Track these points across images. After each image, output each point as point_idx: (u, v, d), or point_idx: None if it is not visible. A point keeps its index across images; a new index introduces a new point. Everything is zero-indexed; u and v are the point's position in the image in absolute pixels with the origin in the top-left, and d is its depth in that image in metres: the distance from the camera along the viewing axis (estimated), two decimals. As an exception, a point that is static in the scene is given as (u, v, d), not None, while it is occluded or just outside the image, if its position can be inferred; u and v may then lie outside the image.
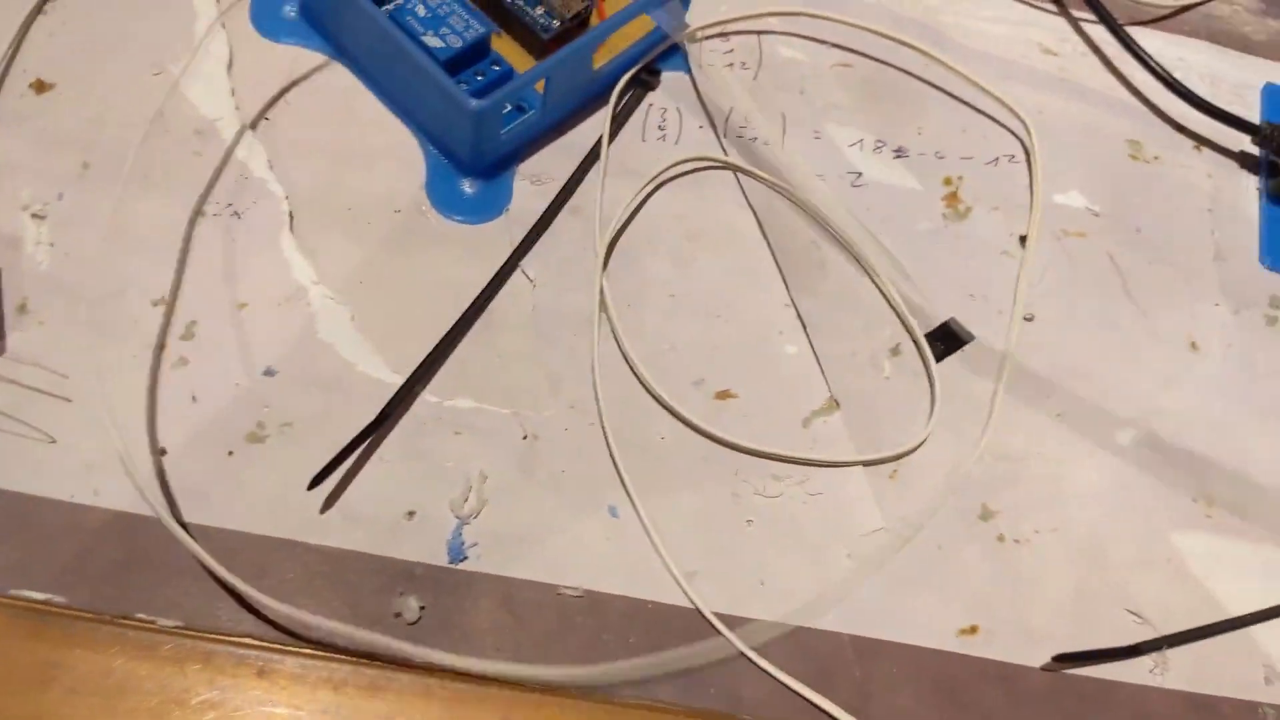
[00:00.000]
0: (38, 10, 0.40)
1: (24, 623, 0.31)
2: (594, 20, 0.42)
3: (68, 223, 0.37)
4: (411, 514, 0.34)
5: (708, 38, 0.44)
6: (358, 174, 0.39)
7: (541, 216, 0.40)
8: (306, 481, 0.34)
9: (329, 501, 0.34)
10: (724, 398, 0.38)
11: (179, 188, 0.38)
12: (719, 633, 0.34)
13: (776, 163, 0.42)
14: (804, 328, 0.39)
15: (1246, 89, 0.48)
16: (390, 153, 0.40)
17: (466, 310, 0.37)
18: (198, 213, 0.38)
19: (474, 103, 0.37)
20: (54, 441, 0.34)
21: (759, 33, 0.45)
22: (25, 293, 0.35)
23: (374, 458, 0.35)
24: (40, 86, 0.39)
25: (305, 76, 0.41)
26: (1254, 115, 0.47)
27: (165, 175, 0.38)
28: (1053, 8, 0.48)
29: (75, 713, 0.30)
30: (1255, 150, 0.46)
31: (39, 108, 0.39)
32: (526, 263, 0.39)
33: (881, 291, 0.40)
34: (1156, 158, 0.45)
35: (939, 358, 0.39)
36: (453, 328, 0.37)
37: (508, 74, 0.40)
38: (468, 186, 0.40)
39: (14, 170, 0.37)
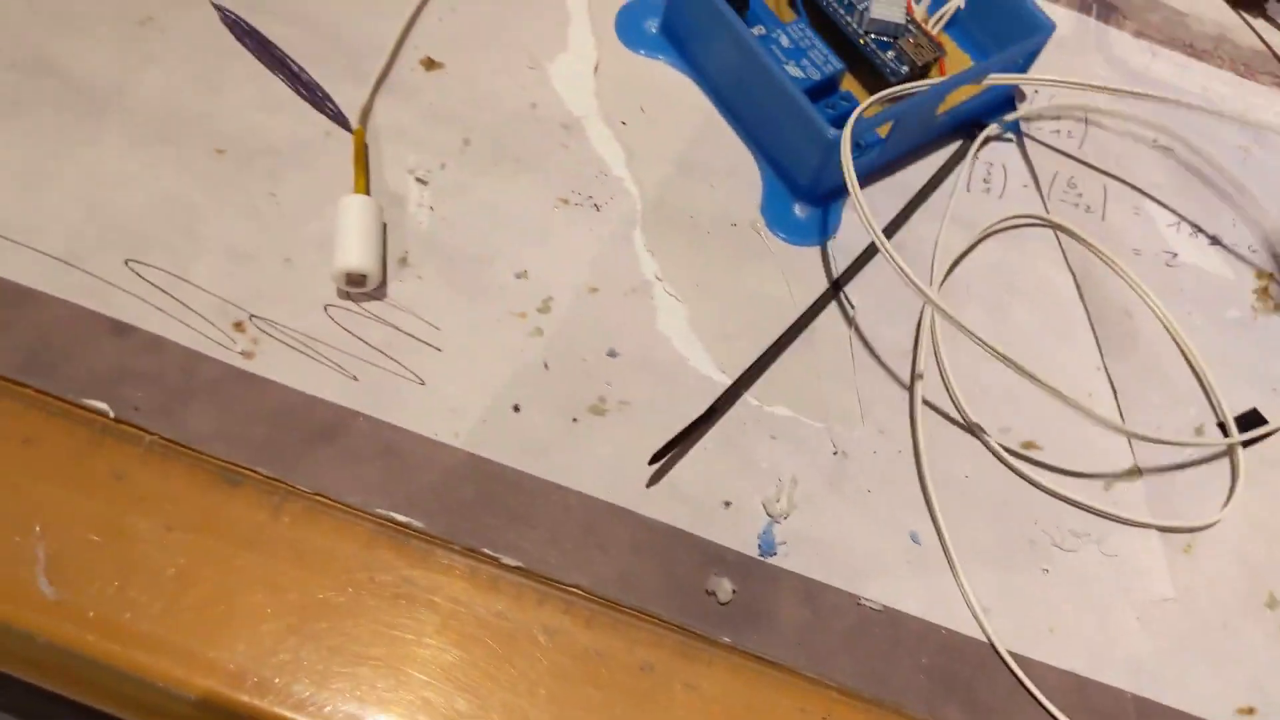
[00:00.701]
0: (432, -6, 0.44)
1: (387, 538, 0.34)
2: (935, 72, 0.44)
3: (447, 191, 0.40)
4: (728, 504, 0.37)
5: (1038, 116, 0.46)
6: (701, 187, 0.42)
7: (866, 248, 0.42)
8: (639, 456, 0.36)
9: (655, 478, 0.36)
10: (1029, 448, 0.39)
11: (546, 174, 0.41)
12: (1010, 670, 0.35)
13: (1097, 230, 0.43)
14: (1114, 392, 0.40)
15: None
16: (731, 172, 0.43)
17: (792, 324, 0.40)
18: (562, 199, 0.41)
19: (832, 131, 0.39)
20: (423, 384, 0.37)
21: (1085, 115, 0.46)
22: (407, 247, 0.39)
23: (698, 447, 0.37)
24: (429, 64, 0.43)
25: (661, 88, 0.44)
26: None
27: (535, 161, 0.41)
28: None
29: (420, 623, 0.33)
30: None
31: (428, 83, 0.42)
32: (849, 290, 0.41)
33: (1192, 368, 0.41)
34: None
35: (1245, 443, 0.40)
36: (779, 339, 0.39)
37: (854, 109, 0.42)
38: (799, 211, 0.42)
39: (403, 137, 0.41)
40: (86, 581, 0.33)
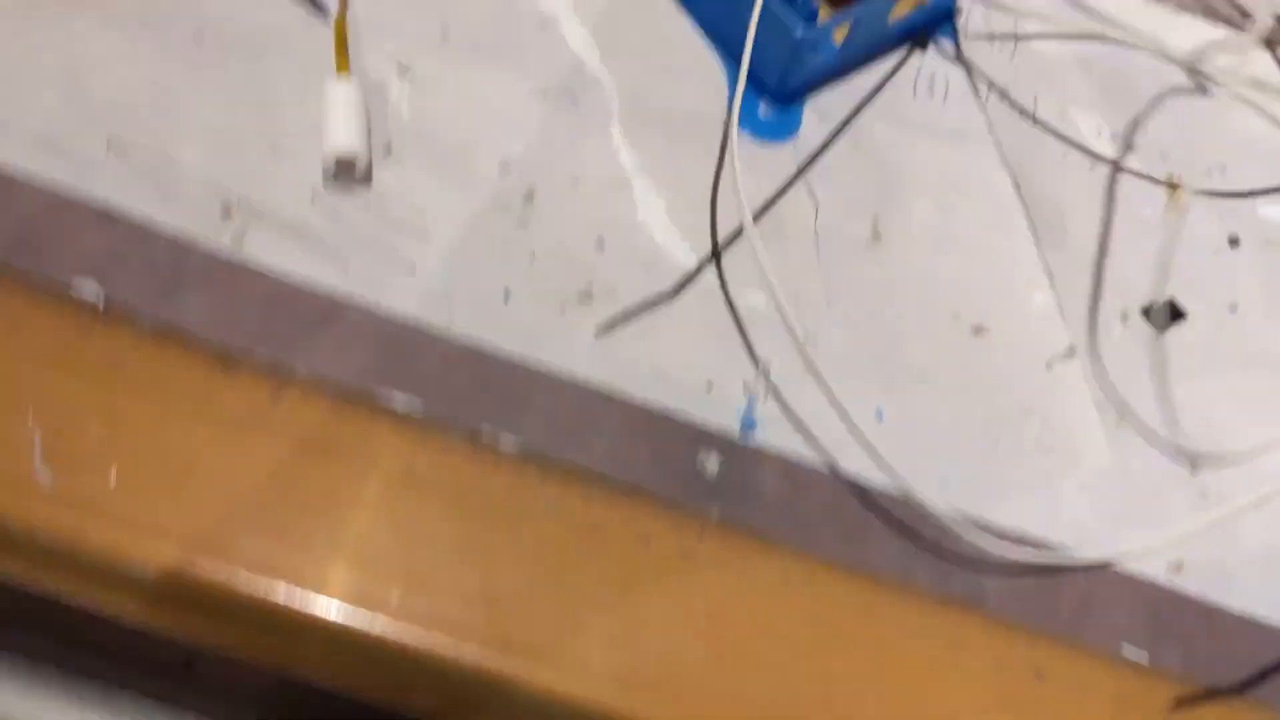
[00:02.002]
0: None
1: (387, 422, 0.35)
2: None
3: (427, 80, 0.41)
4: (710, 385, 0.39)
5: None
6: (671, 86, 0.43)
7: (824, 144, 0.44)
8: (625, 343, 0.38)
9: (638, 361, 0.38)
10: (979, 331, 0.42)
11: (525, 67, 0.42)
12: (966, 539, 0.38)
13: (1030, 132, 0.46)
14: (1050, 280, 0.44)
15: None
16: (700, 74, 0.44)
17: (756, 213, 0.42)
18: (541, 92, 0.42)
19: (800, 30, 0.41)
20: (414, 272, 0.38)
21: (1015, 31, 0.49)
22: (390, 136, 0.39)
23: (680, 332, 0.39)
24: (400, -44, 0.43)
25: (627, -7, 0.45)
26: None
27: (513, 54, 0.42)
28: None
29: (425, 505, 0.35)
30: None
31: (402, -26, 0.42)
32: (812, 186, 0.43)
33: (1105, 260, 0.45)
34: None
35: (1162, 329, 0.44)
36: (740, 228, 0.41)
37: (815, 11, 0.44)
38: (764, 110, 0.44)
39: (383, 25, 0.41)
40: (83, 469, 0.33)
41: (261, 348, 0.35)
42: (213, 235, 0.36)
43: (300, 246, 0.37)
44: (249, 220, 0.37)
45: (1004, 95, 0.47)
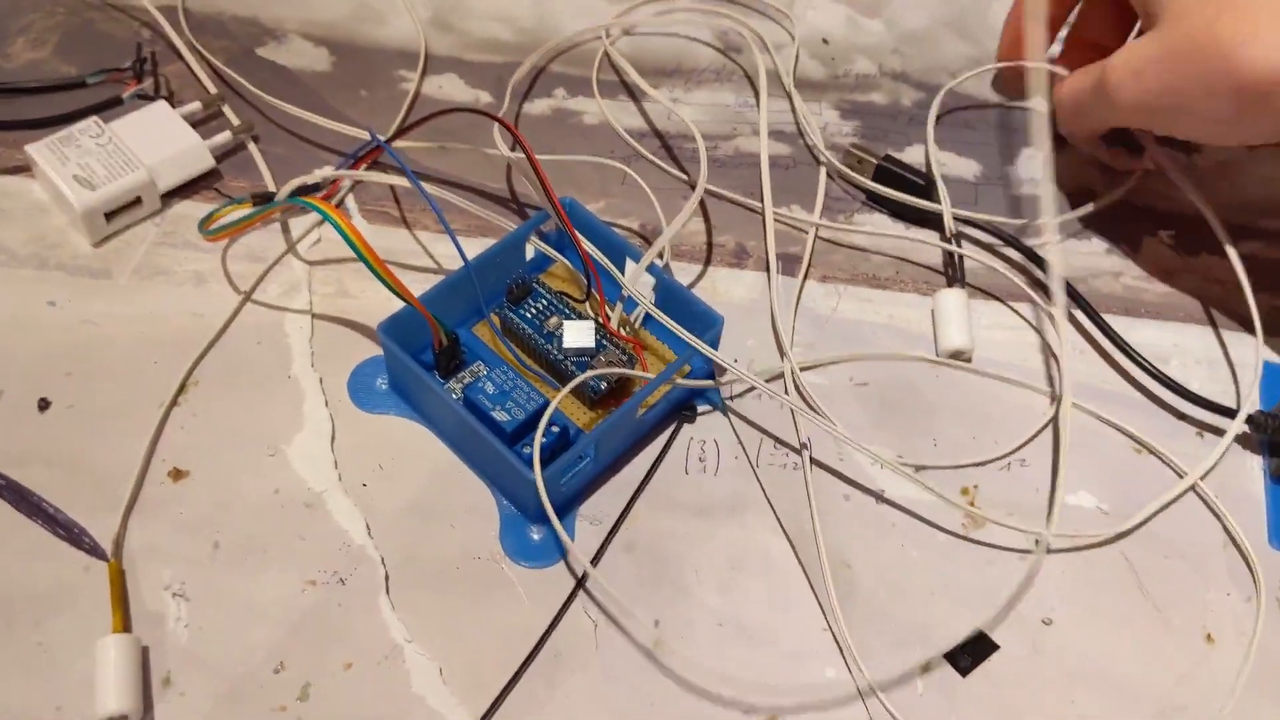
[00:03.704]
0: (173, 403, 0.48)
1: None
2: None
3: (202, 600, 0.43)
4: None
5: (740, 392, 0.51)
6: (443, 529, 0.46)
7: (594, 556, 0.46)
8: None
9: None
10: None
11: (294, 559, 0.45)
12: None
13: (802, 488, 0.47)
14: (840, 651, 0.44)
15: (1246, 368, 0.53)
16: (471, 508, 0.46)
17: (530, 653, 0.43)
18: (310, 581, 0.44)
19: (529, 474, 0.43)
20: (195, 805, 0.40)
21: (782, 372, 0.51)
22: (169, 666, 0.42)
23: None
24: (176, 474, 0.47)
25: (397, 442, 0.48)
26: (1255, 393, 0.51)
27: (282, 548, 0.45)
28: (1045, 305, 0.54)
29: None
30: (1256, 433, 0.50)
31: (176, 494, 0.46)
32: (588, 606, 0.44)
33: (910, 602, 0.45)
34: (1159, 448, 0.50)
35: (965, 672, 0.43)
36: (518, 670, 0.43)
37: (564, 432, 0.46)
38: (535, 534, 0.46)
39: (157, 554, 0.44)
40: None
41: None
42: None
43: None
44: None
45: (777, 447, 0.49)
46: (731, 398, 0.50)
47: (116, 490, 0.45)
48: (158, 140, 0.54)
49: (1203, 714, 0.43)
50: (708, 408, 0.50)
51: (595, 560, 0.46)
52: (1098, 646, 0.45)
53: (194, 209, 0.54)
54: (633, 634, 0.44)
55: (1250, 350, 0.53)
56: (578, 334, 0.48)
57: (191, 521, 0.45)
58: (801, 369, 0.51)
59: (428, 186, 0.51)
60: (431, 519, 0.46)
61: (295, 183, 0.52)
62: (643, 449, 0.49)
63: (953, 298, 0.52)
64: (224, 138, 0.56)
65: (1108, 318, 0.53)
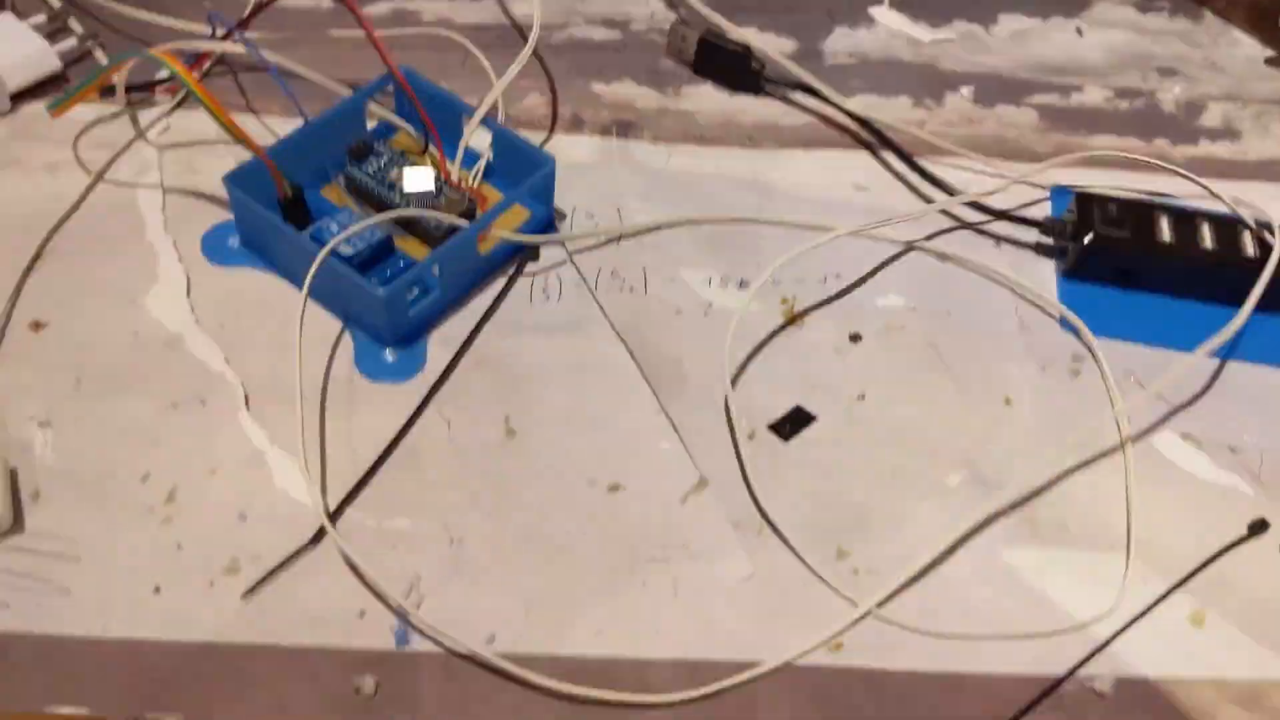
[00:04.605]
0: (29, 268, 0.50)
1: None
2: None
3: (66, 426, 0.45)
4: (363, 612, 0.42)
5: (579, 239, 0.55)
6: (301, 359, 0.48)
7: (447, 368, 0.49)
8: (275, 600, 0.41)
9: (289, 610, 0.42)
10: (615, 489, 0.46)
11: (155, 387, 0.47)
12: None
13: (643, 303, 0.52)
14: (674, 428, 0.48)
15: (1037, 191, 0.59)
16: (327, 339, 0.49)
17: (388, 445, 0.46)
18: (172, 404, 0.46)
19: (381, 290, 0.47)
20: (69, 593, 0.41)
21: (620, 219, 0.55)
22: (38, 484, 0.44)
23: (330, 574, 0.43)
24: (36, 326, 0.48)
25: (253, 291, 0.51)
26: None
27: (142, 379, 0.47)
28: (864, 151, 0.60)
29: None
30: (1049, 239, 0.56)
31: (38, 343, 0.48)
32: (442, 408, 0.48)
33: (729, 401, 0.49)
34: (961, 257, 0.55)
35: (787, 437, 0.48)
36: (375, 463, 0.46)
37: (410, 265, 0.50)
38: (389, 355, 0.49)
39: (22, 392, 0.46)
40: None
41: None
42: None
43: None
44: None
45: (614, 276, 0.53)
46: (573, 253, 0.54)
47: (-22, 346, 0.47)
48: (3, 47, 0.56)
49: (1003, 458, 0.48)
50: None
51: (447, 373, 0.49)
52: (906, 414, 0.50)
53: (44, 109, 0.56)
54: (485, 429, 0.47)
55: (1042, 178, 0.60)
56: (417, 179, 0.51)
57: (53, 363, 0.47)
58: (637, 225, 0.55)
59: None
60: (289, 350, 0.49)
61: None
62: (490, 285, 0.52)
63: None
64: (70, 43, 0.58)
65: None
